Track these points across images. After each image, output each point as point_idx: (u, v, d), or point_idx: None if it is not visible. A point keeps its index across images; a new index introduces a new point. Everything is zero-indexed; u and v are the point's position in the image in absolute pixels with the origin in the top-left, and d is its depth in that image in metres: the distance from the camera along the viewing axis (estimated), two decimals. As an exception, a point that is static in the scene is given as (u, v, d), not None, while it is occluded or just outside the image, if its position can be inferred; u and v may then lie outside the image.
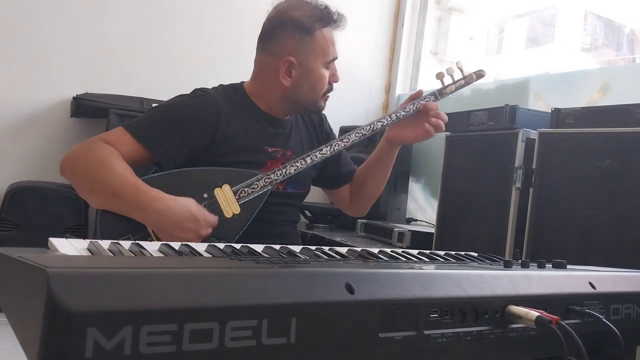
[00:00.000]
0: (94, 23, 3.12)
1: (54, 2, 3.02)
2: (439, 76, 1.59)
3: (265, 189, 1.41)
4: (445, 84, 1.59)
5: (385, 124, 1.54)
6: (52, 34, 3.03)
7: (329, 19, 1.50)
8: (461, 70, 1.59)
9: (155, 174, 1.39)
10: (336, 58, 1.55)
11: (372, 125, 1.53)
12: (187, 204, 1.31)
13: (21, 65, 2.97)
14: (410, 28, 3.97)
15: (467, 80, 1.60)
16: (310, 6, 1.50)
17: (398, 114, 1.55)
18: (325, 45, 1.50)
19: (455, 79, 1.59)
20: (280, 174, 1.43)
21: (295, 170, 1.45)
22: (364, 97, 3.90)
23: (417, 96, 1.58)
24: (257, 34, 1.57)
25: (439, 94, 1.59)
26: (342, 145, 1.51)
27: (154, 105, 2.77)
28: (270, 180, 1.42)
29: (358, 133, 1.52)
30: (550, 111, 2.00)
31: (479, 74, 1.60)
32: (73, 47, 3.07)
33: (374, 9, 3.93)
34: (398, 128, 1.58)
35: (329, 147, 1.50)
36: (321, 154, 1.49)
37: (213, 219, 1.33)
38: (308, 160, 1.47)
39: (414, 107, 1.55)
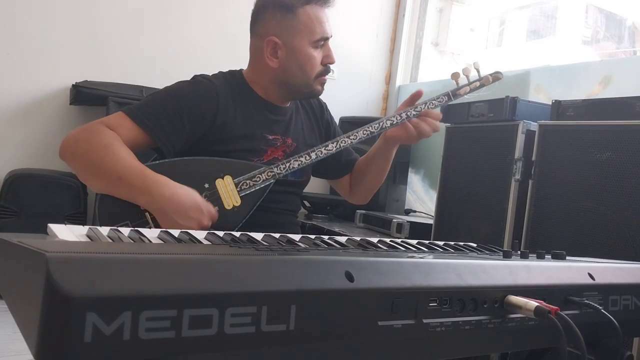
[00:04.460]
0: (94, 11, 3.11)
1: (54, -11, 3.01)
2: (454, 76, 1.54)
3: (268, 182, 1.40)
4: (460, 84, 1.55)
5: (394, 122, 1.50)
6: (52, 22, 3.01)
7: None
8: (478, 71, 1.55)
9: (157, 162, 1.38)
10: (327, 38, 1.49)
11: (380, 123, 1.50)
12: (193, 194, 1.30)
13: (20, 53, 2.96)
14: (411, 19, 3.95)
15: (483, 82, 1.55)
16: None
17: (408, 113, 1.50)
18: (310, 24, 1.45)
19: (471, 80, 1.55)
20: (284, 168, 1.42)
21: (299, 165, 1.43)
22: (364, 87, 3.89)
23: (417, 95, 1.52)
24: (256, 21, 1.56)
25: (453, 94, 1.54)
26: (349, 142, 1.48)
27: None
28: (273, 174, 1.41)
29: (366, 131, 1.49)
30: (550, 103, 1.99)
31: (496, 77, 1.55)
32: (72, 35, 3.06)
33: (375, -1, 3.91)
34: (397, 127, 1.54)
35: (335, 143, 1.47)
36: (327, 149, 1.46)
37: (215, 213, 1.33)
38: (313, 155, 1.45)
39: (425, 107, 1.51)
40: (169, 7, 3.29)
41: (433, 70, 3.91)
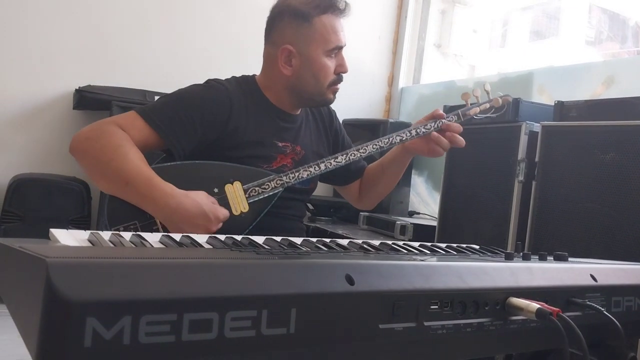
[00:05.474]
0: (97, 15, 3.12)
1: (57, -6, 3.02)
2: (464, 96, 1.56)
3: (276, 191, 1.41)
4: (470, 105, 1.56)
5: (404, 138, 1.51)
6: (55, 26, 3.03)
7: (327, 5, 1.46)
8: (487, 93, 1.56)
9: (167, 164, 1.38)
10: (341, 47, 1.50)
11: (390, 139, 1.51)
12: (199, 200, 1.30)
13: (24, 57, 2.97)
14: (413, 20, 3.95)
15: (493, 103, 1.56)
16: None
17: (418, 130, 1.51)
18: (325, 33, 1.46)
19: (481, 101, 1.56)
20: (293, 177, 1.43)
21: (308, 175, 1.44)
22: (367, 89, 3.89)
23: (439, 116, 1.53)
24: (260, 27, 1.56)
25: (462, 114, 1.55)
26: (358, 155, 1.49)
27: (156, 97, 2.77)
28: (282, 182, 1.41)
29: (375, 145, 1.50)
30: (553, 104, 1.99)
31: (505, 99, 1.57)
32: (76, 40, 3.07)
33: (378, 1, 3.91)
34: (417, 139, 1.55)
35: (344, 155, 1.48)
36: (336, 161, 1.47)
37: (224, 213, 1.33)
38: (322, 166, 1.45)
39: (436, 126, 1.52)
40: (172, 12, 3.30)
41: (436, 71, 3.90)
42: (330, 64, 1.49)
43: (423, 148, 1.55)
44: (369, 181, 1.74)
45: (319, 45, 1.46)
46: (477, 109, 1.56)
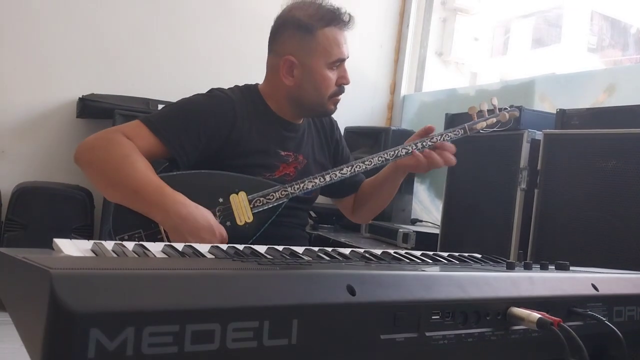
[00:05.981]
0: (100, 24, 3.14)
1: (60, 3, 3.04)
2: (471, 110, 1.56)
3: (281, 201, 1.41)
4: (477, 118, 1.56)
5: (409, 151, 1.51)
6: (58, 35, 3.04)
7: (331, 18, 1.47)
8: (495, 107, 1.57)
9: (173, 173, 1.39)
10: (343, 59, 1.51)
11: (395, 151, 1.50)
12: (208, 215, 1.31)
13: (27, 66, 2.99)
14: (415, 29, 3.96)
15: (500, 118, 1.56)
16: (314, 6, 1.48)
17: (424, 143, 1.51)
18: (327, 46, 1.47)
19: (488, 115, 1.57)
20: (298, 188, 1.43)
21: (313, 186, 1.44)
22: (369, 97, 3.90)
23: (428, 130, 1.53)
24: (262, 36, 1.57)
25: (469, 128, 1.54)
26: (364, 167, 1.49)
27: (159, 105, 2.79)
28: (287, 193, 1.42)
29: (381, 157, 1.50)
30: (555, 112, 1.99)
31: (512, 114, 1.57)
32: (79, 48, 3.09)
33: (379, 9, 3.93)
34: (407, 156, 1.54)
35: (350, 167, 1.48)
36: (341, 173, 1.47)
37: (226, 236, 1.34)
38: (327, 178, 1.46)
39: (441, 139, 1.52)
40: (175, 21, 3.32)
41: (437, 79, 3.91)
42: (332, 75, 1.49)
43: (410, 162, 1.54)
44: (363, 197, 1.74)
45: (322, 57, 1.47)
46: (484, 123, 1.56)
